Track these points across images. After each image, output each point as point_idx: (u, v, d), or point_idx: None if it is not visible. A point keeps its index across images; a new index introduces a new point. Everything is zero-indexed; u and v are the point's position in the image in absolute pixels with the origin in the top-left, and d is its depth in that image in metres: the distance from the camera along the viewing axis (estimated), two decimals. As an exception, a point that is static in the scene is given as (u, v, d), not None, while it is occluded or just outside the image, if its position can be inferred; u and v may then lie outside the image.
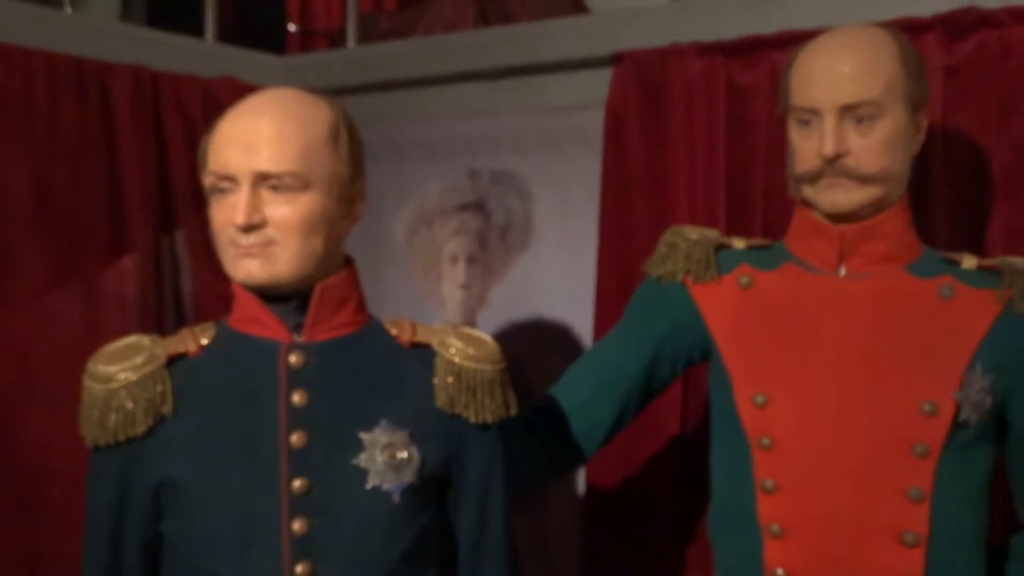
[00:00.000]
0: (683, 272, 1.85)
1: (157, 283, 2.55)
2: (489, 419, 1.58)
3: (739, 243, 1.87)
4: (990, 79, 2.00)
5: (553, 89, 2.58)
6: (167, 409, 1.50)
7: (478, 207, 2.71)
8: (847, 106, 1.63)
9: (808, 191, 1.71)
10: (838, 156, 1.64)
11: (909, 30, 1.94)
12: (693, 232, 1.89)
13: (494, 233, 2.69)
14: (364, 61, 2.93)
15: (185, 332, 1.60)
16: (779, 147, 1.90)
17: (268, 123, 1.47)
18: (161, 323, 2.51)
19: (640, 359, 1.87)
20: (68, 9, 3.57)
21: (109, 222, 2.44)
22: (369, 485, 1.50)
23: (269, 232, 1.46)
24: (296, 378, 1.52)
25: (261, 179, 1.46)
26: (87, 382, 1.51)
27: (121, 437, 1.48)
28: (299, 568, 1.46)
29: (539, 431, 1.86)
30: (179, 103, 2.58)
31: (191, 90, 2.61)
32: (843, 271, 1.73)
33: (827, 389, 1.67)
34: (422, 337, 1.62)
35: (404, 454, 1.52)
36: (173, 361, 1.54)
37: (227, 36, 2.99)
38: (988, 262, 1.72)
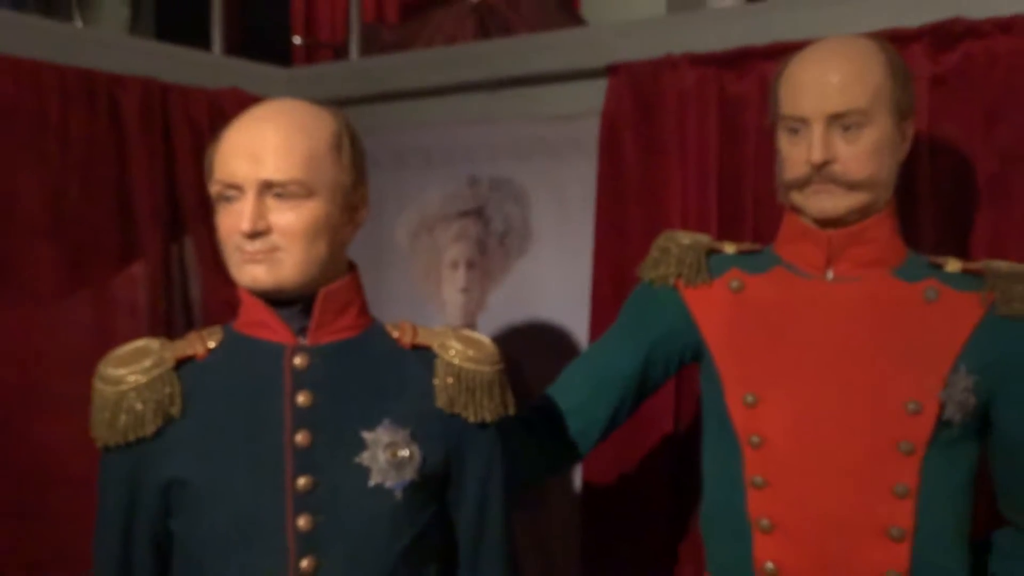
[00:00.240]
0: (675, 276, 1.85)
1: (166, 289, 2.55)
2: (488, 419, 1.59)
3: (730, 248, 1.88)
4: (976, 89, 2.00)
5: (550, 99, 2.59)
6: (175, 410, 1.51)
7: (477, 213, 2.72)
8: (835, 115, 1.64)
9: (797, 197, 1.72)
10: (826, 163, 1.64)
11: (896, 41, 1.95)
12: (685, 237, 1.90)
13: (493, 239, 2.70)
14: (367, 72, 2.94)
15: (193, 336, 1.61)
16: (769, 155, 1.91)
17: (273, 133, 1.48)
18: (171, 328, 2.51)
19: (634, 360, 1.87)
20: (79, 23, 3.58)
21: (119, 230, 2.45)
22: (372, 483, 1.51)
23: (274, 238, 1.47)
24: (300, 379, 1.53)
25: (266, 187, 1.46)
26: (97, 385, 1.52)
27: (131, 438, 1.49)
28: (304, 563, 1.47)
29: (537, 430, 1.87)
30: (187, 114, 2.59)
31: (199, 101, 2.62)
32: (831, 275, 1.73)
33: (815, 389, 1.67)
34: (423, 339, 1.63)
35: (405, 452, 1.53)
36: (181, 364, 1.55)
37: (234, 49, 3.00)
38: (972, 266, 1.73)
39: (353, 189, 1.56)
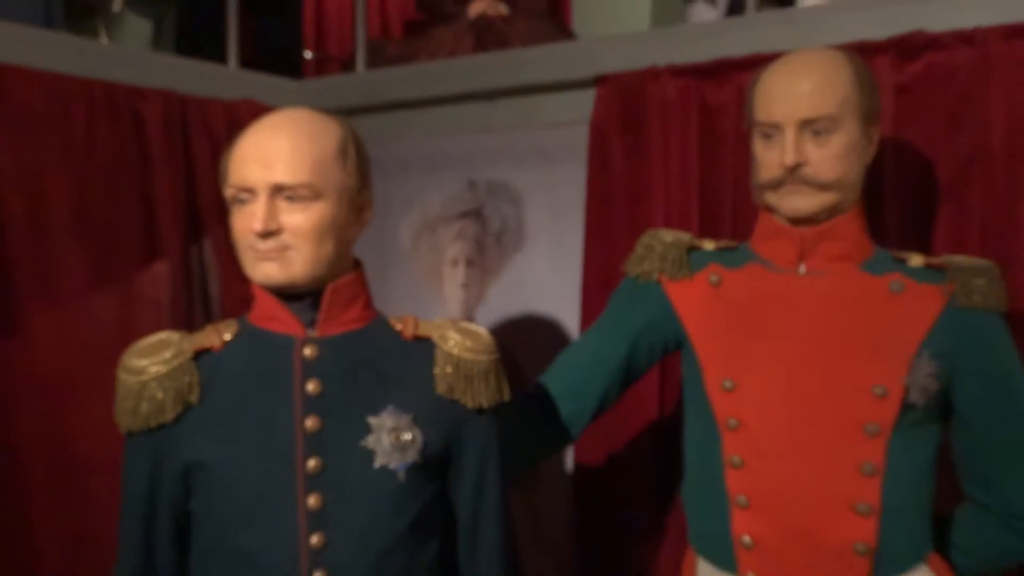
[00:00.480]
0: (658, 271, 1.85)
1: (187, 286, 2.55)
2: (485, 404, 1.59)
3: (709, 245, 1.88)
4: (937, 97, 2.00)
5: (543, 108, 2.59)
6: (194, 398, 1.51)
7: (476, 214, 2.72)
8: (806, 120, 1.64)
9: (771, 197, 1.72)
10: (798, 165, 1.64)
11: (863, 52, 1.95)
12: (668, 235, 1.89)
13: (491, 238, 2.70)
14: (373, 84, 2.94)
15: (210, 328, 1.61)
16: (746, 159, 1.90)
17: (283, 140, 1.48)
18: (191, 321, 2.51)
19: (620, 349, 1.87)
20: (104, 39, 3.59)
21: (143, 231, 2.45)
22: (377, 464, 1.51)
23: (285, 238, 1.47)
24: (310, 369, 1.53)
25: (277, 190, 1.47)
26: (121, 375, 1.52)
27: (152, 424, 1.50)
28: (314, 539, 1.47)
29: (531, 414, 1.87)
30: (205, 124, 2.58)
31: (215, 112, 2.61)
32: (803, 269, 1.73)
33: (788, 375, 1.67)
34: (423, 331, 1.63)
35: (408, 436, 1.53)
36: (199, 355, 1.55)
37: (248, 62, 3.00)
38: (934, 260, 1.72)
39: (358, 192, 1.56)
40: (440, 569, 1.61)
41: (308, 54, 4.21)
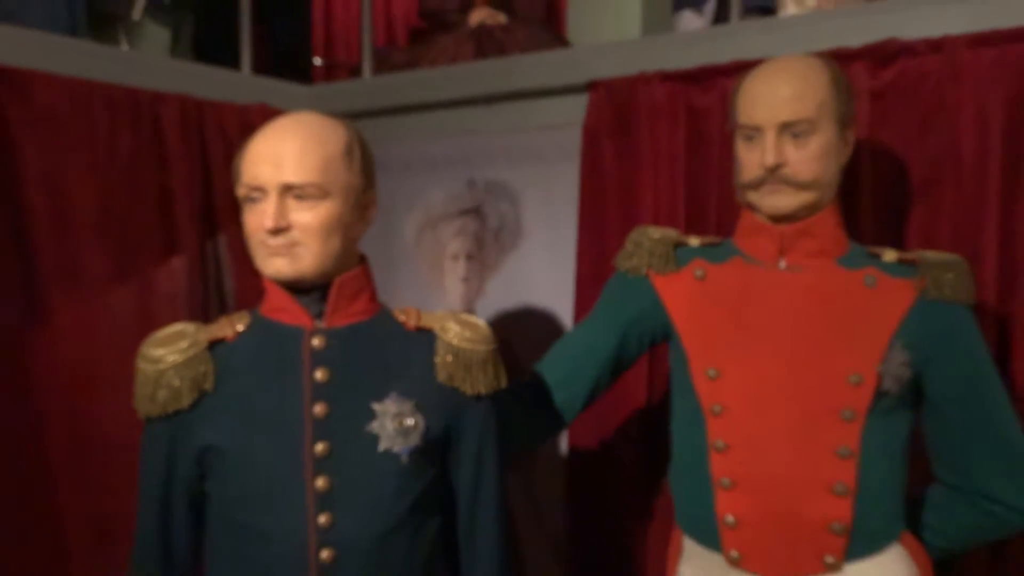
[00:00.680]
0: (647, 266, 1.85)
1: (203, 280, 2.55)
2: (483, 391, 1.59)
3: (694, 241, 1.87)
4: (909, 102, 2.00)
5: (539, 112, 2.58)
6: (208, 385, 1.51)
7: (476, 212, 2.71)
8: (785, 123, 1.63)
9: (753, 196, 1.71)
10: (778, 166, 1.64)
11: (840, 59, 1.95)
12: (656, 232, 1.89)
13: (489, 234, 2.69)
14: (379, 89, 2.93)
15: (224, 320, 1.61)
16: (729, 160, 1.89)
17: (292, 142, 1.48)
18: (206, 314, 2.50)
19: (611, 340, 1.87)
20: (125, 47, 3.57)
21: (161, 228, 2.44)
22: (381, 448, 1.51)
23: (294, 234, 1.47)
24: (318, 358, 1.53)
25: (287, 189, 1.46)
26: (139, 364, 1.52)
27: (169, 410, 1.50)
28: (321, 519, 1.47)
29: (527, 401, 1.86)
30: (220, 127, 2.58)
31: (230, 115, 2.61)
32: (783, 264, 1.73)
33: (769, 364, 1.67)
34: (425, 323, 1.62)
35: (410, 421, 1.53)
36: (214, 345, 1.55)
37: (261, 68, 2.99)
38: (906, 256, 1.72)
39: (363, 191, 1.56)
40: (440, 546, 1.62)
41: (317, 60, 4.20)
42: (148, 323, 2.28)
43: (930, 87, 1.97)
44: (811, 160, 1.64)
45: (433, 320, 1.63)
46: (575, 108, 2.44)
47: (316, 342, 1.53)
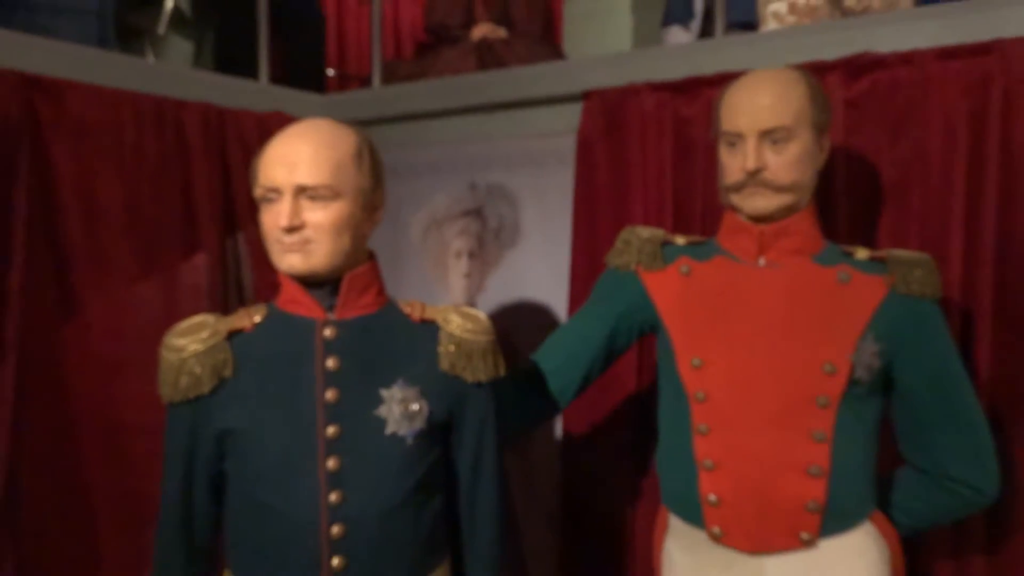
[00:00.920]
0: (636, 263, 1.85)
1: (223, 275, 2.54)
2: (483, 379, 1.59)
3: (680, 240, 1.87)
4: (881, 110, 2.00)
5: (536, 120, 2.58)
6: (227, 373, 1.51)
7: (477, 213, 2.71)
8: (765, 131, 1.63)
9: (735, 198, 1.71)
10: (758, 170, 1.64)
11: (816, 71, 1.95)
12: (644, 231, 1.89)
13: (490, 234, 2.69)
14: (387, 98, 2.93)
15: (242, 312, 1.61)
16: (713, 164, 1.89)
17: (306, 146, 1.47)
18: (226, 306, 2.50)
19: (602, 331, 1.86)
20: (151, 58, 3.57)
21: (184, 227, 2.44)
22: (388, 431, 1.51)
23: (307, 232, 1.47)
24: (329, 347, 1.53)
25: (300, 190, 1.46)
26: (163, 352, 1.52)
27: (190, 396, 1.50)
28: (332, 496, 1.47)
29: (524, 388, 1.86)
30: (239, 133, 2.57)
31: (248, 122, 2.60)
32: (762, 261, 1.72)
33: (749, 354, 1.67)
34: (430, 315, 1.62)
35: (415, 406, 1.53)
36: (232, 335, 1.55)
37: (278, 79, 2.99)
38: (877, 253, 1.72)
39: (372, 192, 1.56)
40: (443, 521, 1.62)
41: (330, 72, 4.20)
42: (172, 315, 2.29)
43: (900, 97, 1.97)
44: (789, 165, 1.64)
45: (437, 313, 1.63)
46: (570, 116, 2.44)
47: (328, 332, 1.53)
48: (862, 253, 1.72)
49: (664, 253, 1.85)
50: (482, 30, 3.82)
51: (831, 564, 1.63)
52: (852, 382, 1.63)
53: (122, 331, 2.27)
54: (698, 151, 2.22)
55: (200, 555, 1.59)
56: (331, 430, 1.49)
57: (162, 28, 3.68)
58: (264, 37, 2.97)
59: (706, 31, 3.52)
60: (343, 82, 4.28)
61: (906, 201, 1.98)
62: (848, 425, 1.63)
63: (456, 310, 1.63)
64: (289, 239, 1.47)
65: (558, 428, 2.47)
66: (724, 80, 2.01)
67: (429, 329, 1.60)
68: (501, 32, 3.83)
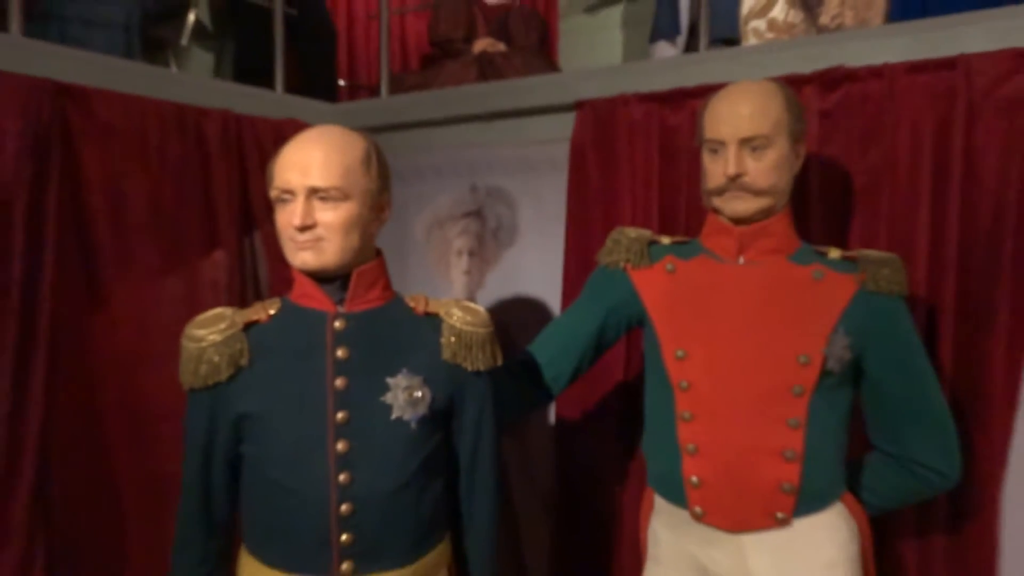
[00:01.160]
0: (624, 261, 1.84)
1: (241, 271, 2.53)
2: (482, 368, 1.59)
3: (666, 240, 1.87)
4: (853, 120, 1.99)
5: (532, 128, 2.57)
6: (244, 361, 1.51)
7: (477, 214, 2.71)
8: (745, 138, 1.63)
9: (716, 201, 1.71)
10: (738, 175, 1.64)
11: (793, 83, 1.95)
12: (632, 232, 1.88)
13: (489, 233, 2.69)
14: (394, 107, 2.92)
15: (258, 305, 1.60)
16: (696, 170, 1.90)
17: (318, 151, 1.47)
18: (243, 300, 2.50)
19: (593, 324, 1.86)
20: (174, 68, 3.56)
21: (205, 226, 2.43)
22: (393, 416, 1.51)
23: (319, 231, 1.47)
24: (339, 338, 1.53)
25: (312, 192, 1.46)
26: (184, 342, 1.52)
27: (209, 383, 1.49)
28: (342, 477, 1.47)
29: (520, 377, 1.87)
30: (256, 138, 2.56)
31: (265, 129, 2.59)
32: (742, 260, 1.72)
33: (729, 346, 1.67)
34: (432, 308, 1.62)
35: (419, 393, 1.53)
36: (249, 326, 1.55)
37: (292, 88, 2.98)
38: (849, 253, 1.72)
39: (379, 194, 1.55)
40: (444, 501, 1.62)
41: (341, 82, 4.19)
42: (193, 308, 2.30)
43: (871, 108, 1.97)
44: (767, 170, 1.64)
45: (439, 306, 1.63)
46: (564, 125, 2.43)
47: (338, 324, 1.53)
48: (834, 253, 1.72)
49: (651, 252, 1.84)
50: (482, 44, 3.82)
51: (804, 541, 1.63)
52: (825, 373, 1.63)
53: (146, 323, 2.26)
54: (682, 157, 2.21)
55: (218, 531, 1.59)
56: (340, 415, 1.49)
57: (185, 40, 3.68)
58: (280, 50, 2.96)
59: (691, 46, 3.52)
60: (353, 92, 4.27)
61: (876, 205, 1.97)
62: (821, 413, 1.63)
63: (457, 304, 1.63)
64: (302, 237, 1.47)
65: (552, 415, 2.47)
66: (707, 91, 2.00)
67: (432, 321, 1.60)
68: (500, 46, 3.83)
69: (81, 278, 2.14)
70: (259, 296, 2.57)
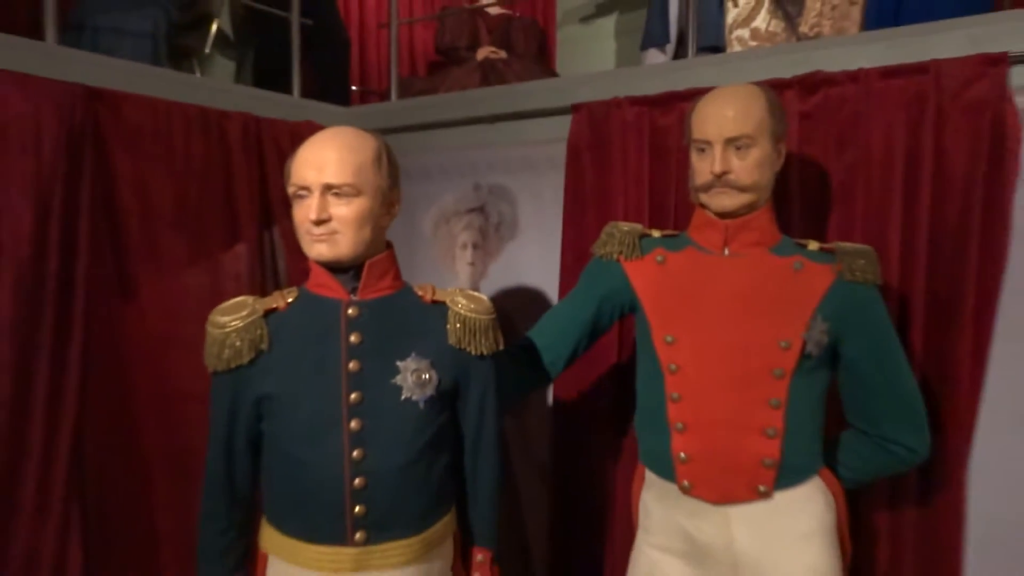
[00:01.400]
0: (618, 253, 1.84)
1: (261, 262, 2.53)
2: (485, 352, 1.59)
3: (656, 233, 1.86)
4: (830, 122, 1.99)
5: (531, 129, 2.57)
6: (264, 346, 1.51)
7: (480, 210, 2.70)
8: (730, 138, 1.63)
9: (703, 197, 1.71)
10: (724, 173, 1.63)
11: (775, 87, 1.95)
12: (625, 226, 1.88)
13: (491, 228, 2.69)
14: (403, 110, 2.92)
15: (277, 294, 1.60)
16: (685, 168, 1.89)
17: (332, 150, 1.47)
18: (264, 290, 2.50)
19: (588, 312, 1.86)
20: (198, 74, 3.56)
21: (227, 221, 2.43)
22: (403, 397, 1.51)
23: (333, 225, 1.47)
24: (353, 324, 1.53)
25: (327, 188, 1.46)
26: (208, 328, 1.52)
27: (232, 366, 1.50)
28: (355, 453, 1.47)
29: (520, 361, 1.86)
30: (275, 140, 2.56)
31: (282, 130, 2.59)
32: (727, 252, 1.72)
33: (715, 332, 1.67)
34: (439, 297, 1.62)
35: (427, 376, 1.53)
36: (268, 313, 1.54)
37: (308, 93, 2.98)
38: (827, 245, 1.72)
39: (389, 191, 1.55)
40: (450, 476, 1.62)
41: (354, 87, 4.18)
42: (216, 296, 2.30)
43: (848, 110, 1.96)
44: (751, 168, 1.64)
45: (445, 295, 1.63)
46: (561, 126, 2.42)
47: (351, 312, 1.53)
48: (813, 245, 1.72)
49: (642, 244, 1.84)
50: (485, 52, 3.81)
51: (784, 512, 1.63)
52: (804, 356, 1.62)
53: (173, 312, 2.26)
54: (672, 156, 2.21)
55: (241, 503, 1.59)
56: (354, 396, 1.49)
57: (208, 48, 3.67)
58: (296, 57, 2.96)
59: (679, 53, 3.51)
60: (365, 96, 4.26)
61: (851, 201, 1.97)
62: (800, 393, 1.63)
63: (462, 293, 1.63)
64: (318, 230, 1.47)
65: (550, 396, 2.47)
66: (695, 95, 2.00)
67: (439, 309, 1.60)
68: (502, 53, 3.82)
69: (113, 269, 2.15)
70: (278, 286, 2.57)
